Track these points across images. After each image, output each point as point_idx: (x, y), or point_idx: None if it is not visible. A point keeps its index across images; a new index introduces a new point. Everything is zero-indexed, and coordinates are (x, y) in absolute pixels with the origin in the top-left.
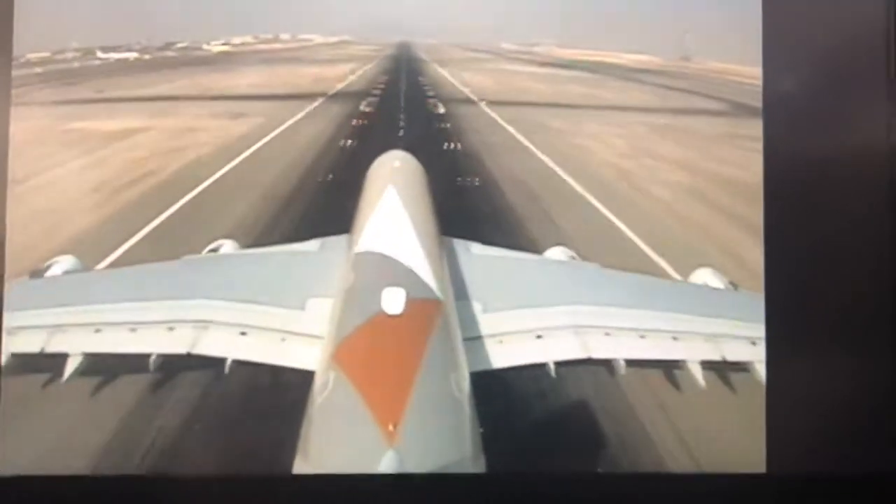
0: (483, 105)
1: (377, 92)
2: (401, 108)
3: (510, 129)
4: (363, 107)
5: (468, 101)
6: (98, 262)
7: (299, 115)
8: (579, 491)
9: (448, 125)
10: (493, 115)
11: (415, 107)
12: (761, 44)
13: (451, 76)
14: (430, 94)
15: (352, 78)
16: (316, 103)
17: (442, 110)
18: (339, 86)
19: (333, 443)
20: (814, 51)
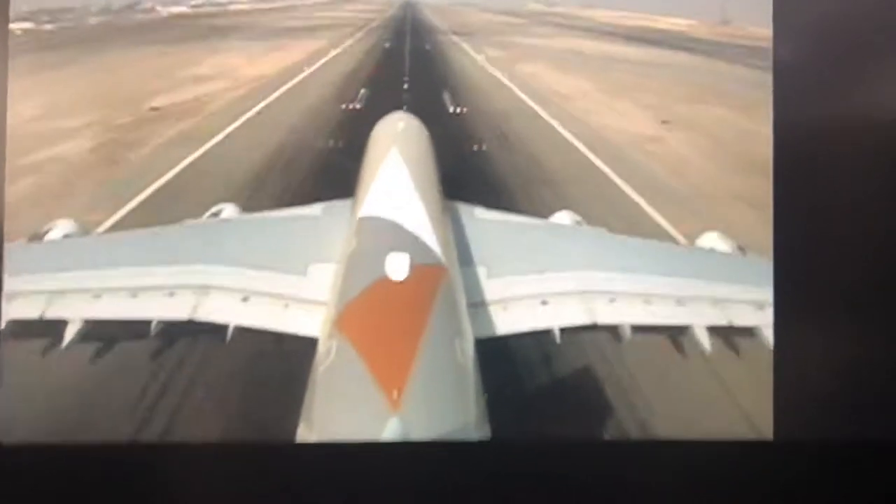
0: None
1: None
2: None
3: None
4: None
5: None
6: None
7: None
8: (585, 457)
9: None
10: None
11: None
12: (771, 10)
13: (508, 77)
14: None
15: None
16: None
17: None
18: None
19: (337, 410)
20: (824, 17)
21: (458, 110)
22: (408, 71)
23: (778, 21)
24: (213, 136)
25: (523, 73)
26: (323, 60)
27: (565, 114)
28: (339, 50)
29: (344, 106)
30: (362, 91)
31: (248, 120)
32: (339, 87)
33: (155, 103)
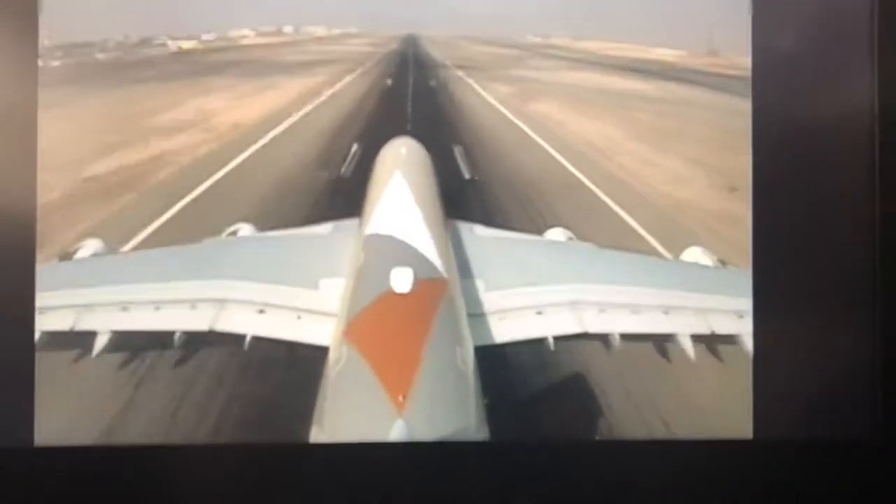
0: None
1: None
2: None
3: None
4: None
5: None
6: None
7: None
8: (575, 457)
9: None
10: None
11: None
12: (750, 13)
13: (524, 121)
14: None
15: None
16: None
17: None
18: None
19: (346, 413)
20: (802, 19)
21: (475, 175)
22: (410, 116)
23: (756, 32)
24: (134, 233)
25: (538, 113)
26: (316, 102)
27: (610, 180)
28: (336, 88)
29: (327, 175)
30: (354, 148)
31: (196, 200)
32: (326, 141)
33: (94, 170)
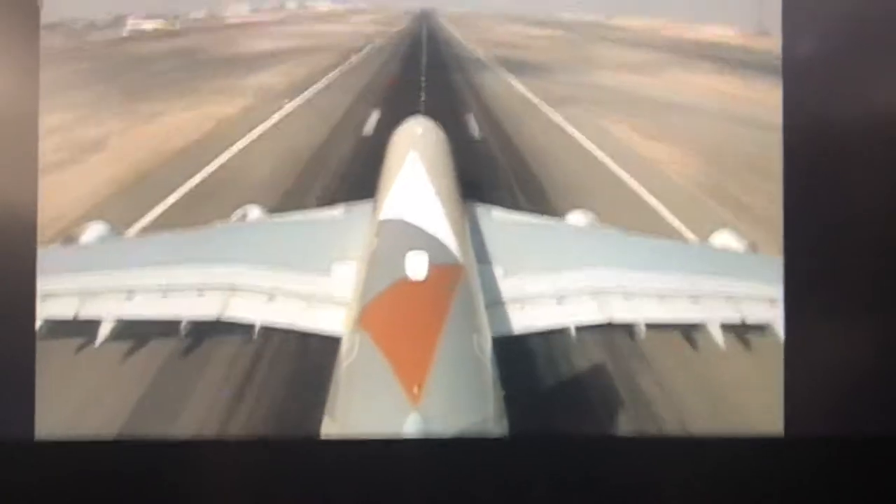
0: None
1: None
2: None
3: None
4: None
5: None
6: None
7: None
8: (599, 453)
9: None
10: None
11: None
12: (780, 6)
13: None
14: None
15: None
16: None
17: None
18: None
19: (360, 404)
20: (832, 12)
21: None
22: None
23: (787, 19)
24: None
25: None
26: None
27: None
28: (243, 145)
29: None
30: None
31: None
32: None
33: None
